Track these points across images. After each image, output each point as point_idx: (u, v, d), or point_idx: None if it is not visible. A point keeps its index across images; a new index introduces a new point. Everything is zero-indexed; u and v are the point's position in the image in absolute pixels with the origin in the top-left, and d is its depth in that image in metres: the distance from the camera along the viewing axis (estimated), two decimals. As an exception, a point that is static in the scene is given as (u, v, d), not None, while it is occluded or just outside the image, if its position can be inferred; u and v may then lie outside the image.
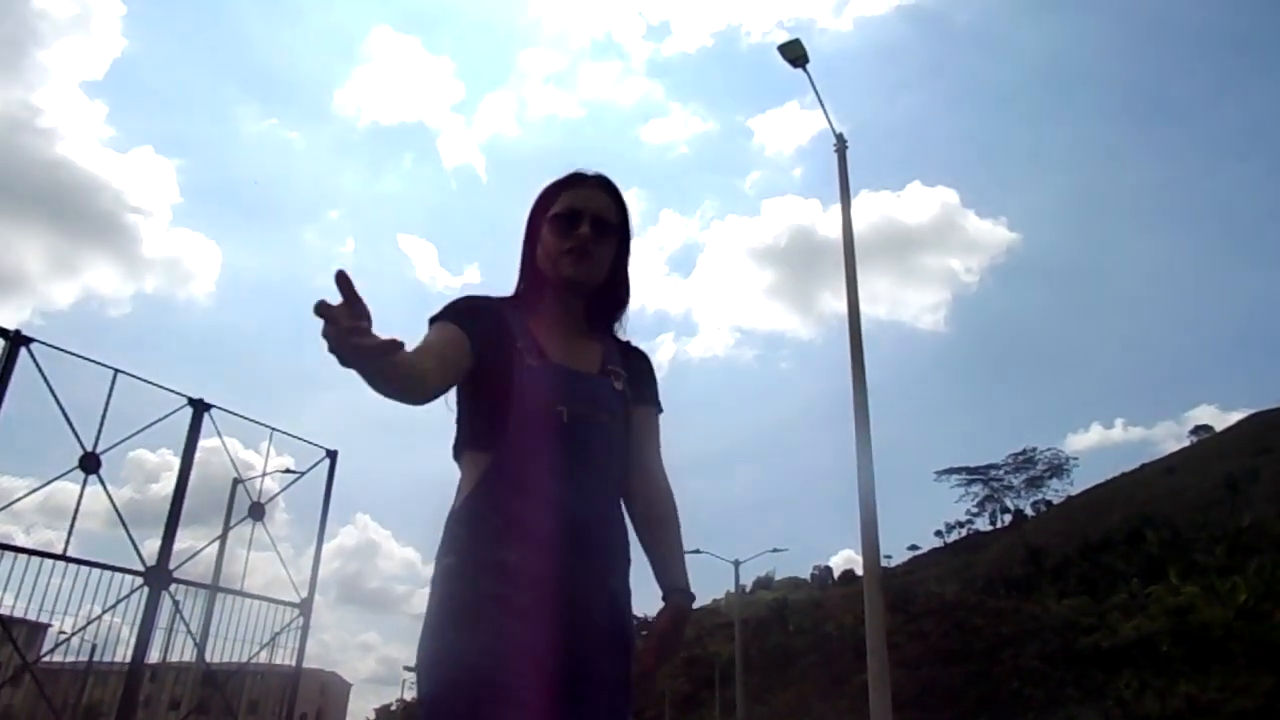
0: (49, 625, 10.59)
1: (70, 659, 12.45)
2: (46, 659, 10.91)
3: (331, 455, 12.46)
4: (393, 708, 72.16)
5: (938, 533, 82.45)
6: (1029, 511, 76.12)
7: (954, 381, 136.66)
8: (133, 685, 9.66)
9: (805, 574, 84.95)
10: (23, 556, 9.05)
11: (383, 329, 1.15)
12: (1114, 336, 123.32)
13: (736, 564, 28.99)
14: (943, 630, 43.51)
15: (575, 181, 1.72)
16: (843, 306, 11.53)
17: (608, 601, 1.52)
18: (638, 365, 1.78)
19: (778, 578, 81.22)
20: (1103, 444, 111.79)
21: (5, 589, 8.87)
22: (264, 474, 11.87)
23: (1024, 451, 77.46)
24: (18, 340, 9.23)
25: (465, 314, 1.57)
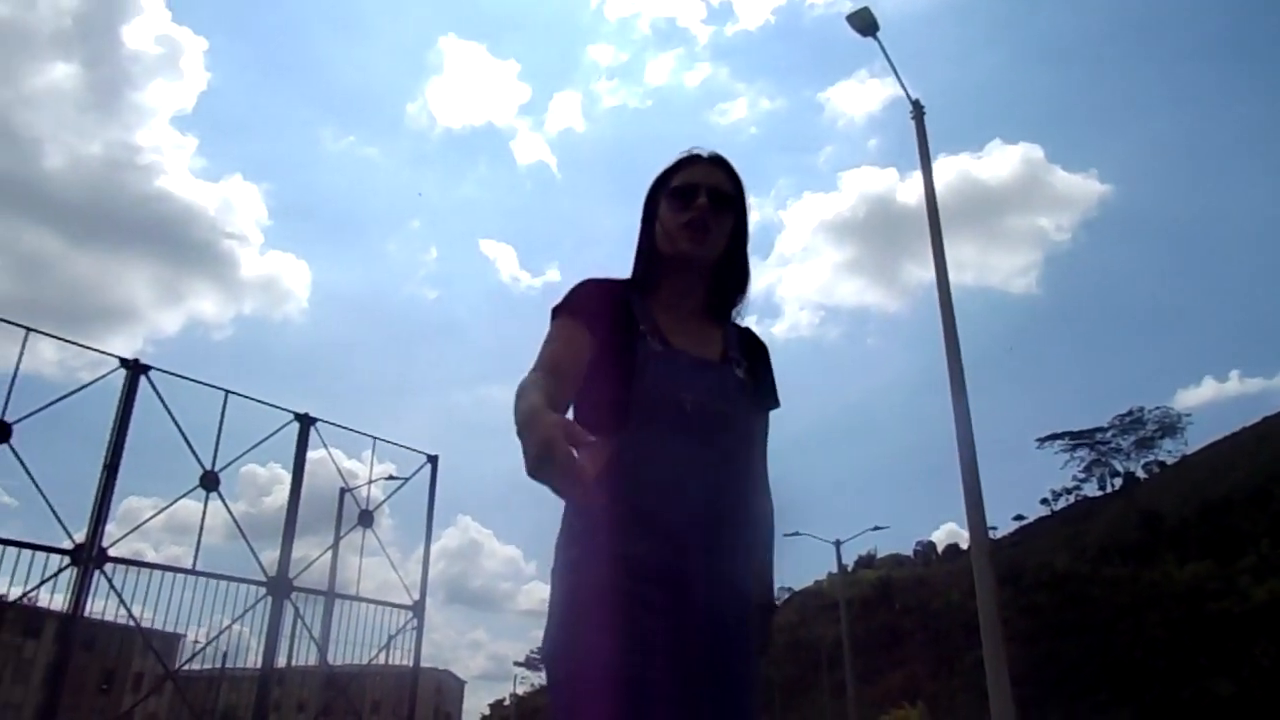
0: (182, 635, 11.27)
1: (203, 667, 13.18)
2: (186, 668, 11.58)
3: (432, 460, 12.82)
4: (506, 702, 73.89)
5: (1044, 501, 79.47)
6: (1140, 474, 72.77)
7: (1051, 344, 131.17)
8: (265, 690, 10.16)
9: (908, 550, 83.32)
10: (155, 571, 9.66)
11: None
12: (1222, 285, 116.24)
13: (837, 544, 28.64)
14: (1056, 603, 42.11)
15: (690, 161, 1.72)
16: (928, 276, 11.27)
17: (734, 597, 1.50)
18: (758, 357, 1.74)
19: (879, 556, 79.96)
20: (1218, 398, 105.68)
21: (143, 604, 9.49)
22: (370, 481, 12.31)
23: (1131, 412, 73.87)
24: (137, 368, 9.80)
25: (586, 302, 1.59)
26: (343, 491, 12.54)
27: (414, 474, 12.75)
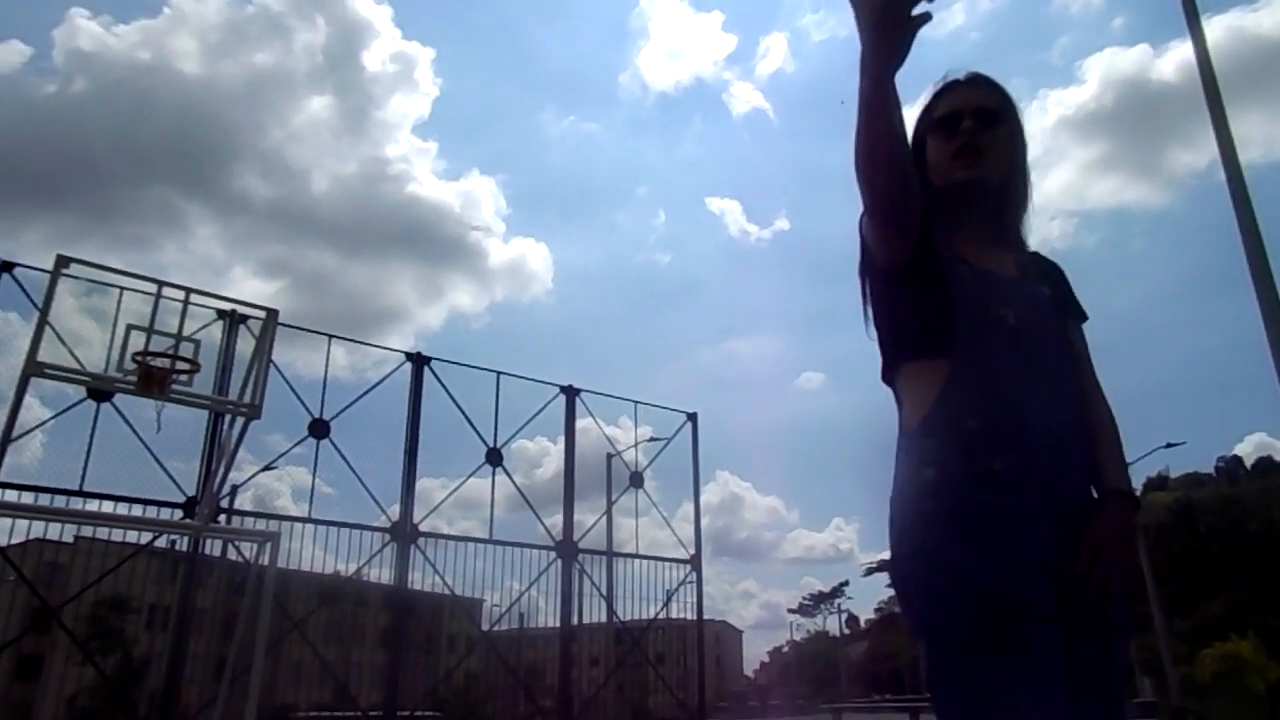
0: (483, 600, 12.45)
1: (507, 628, 14.47)
2: (489, 629, 12.79)
3: (691, 417, 13.21)
4: (784, 649, 75.08)
5: (1381, 399, 68.30)
6: None
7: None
8: (567, 645, 11.02)
9: (1207, 468, 74.74)
10: (453, 542, 10.73)
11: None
12: None
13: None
14: None
15: (948, 88, 1.65)
16: (1200, 160, 10.04)
17: (1087, 501, 1.45)
18: (1054, 274, 1.66)
19: (1173, 476, 72.58)
20: None
21: (451, 573, 10.57)
22: (635, 444, 12.89)
23: None
24: (420, 361, 10.88)
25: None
26: (609, 456, 13.24)
27: (676, 433, 13.28)
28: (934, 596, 1.33)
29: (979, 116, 1.57)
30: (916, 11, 1.28)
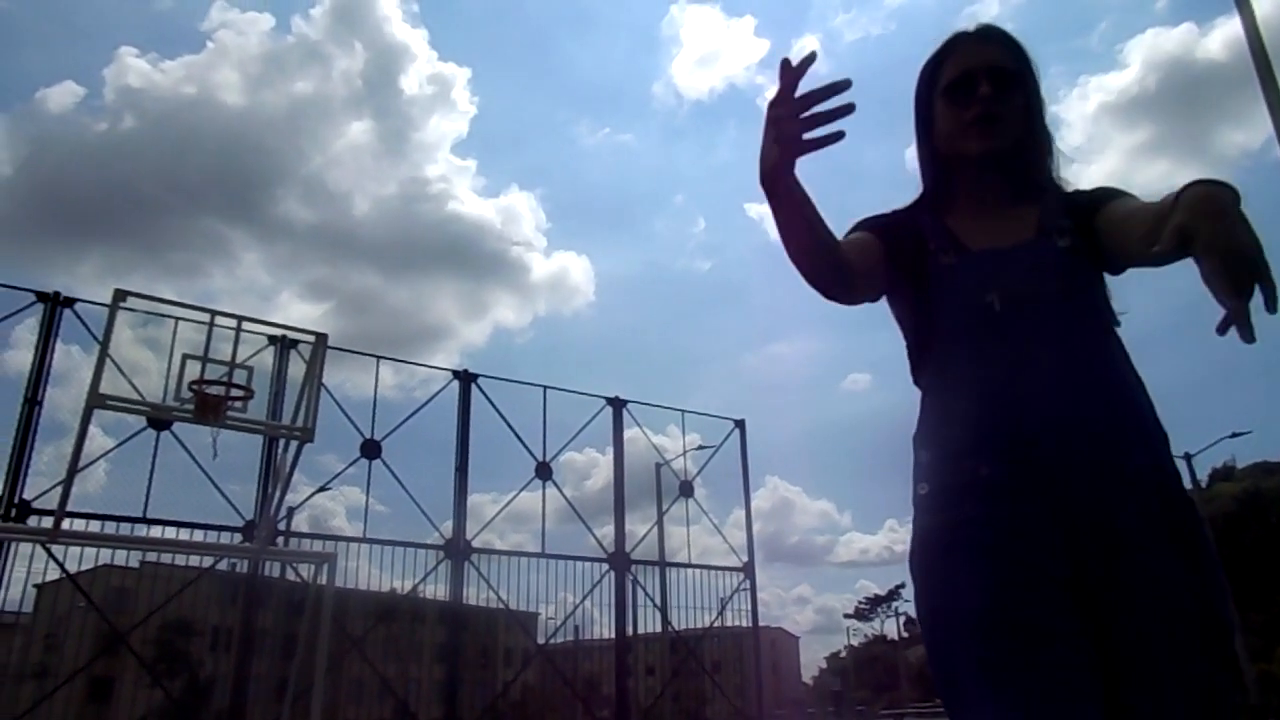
0: (537, 613, 12.50)
1: (561, 640, 14.53)
2: (546, 643, 12.84)
3: (739, 424, 13.14)
4: (841, 654, 74.13)
5: None
6: None
7: None
8: (622, 656, 11.02)
9: (1277, 456, 72.09)
10: (506, 558, 10.81)
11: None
12: None
13: (1188, 457, 25.52)
14: None
15: (957, 44, 1.48)
16: (1252, 140, 9.71)
17: (1123, 488, 1.24)
18: (1084, 198, 1.44)
19: (1239, 466, 70.23)
20: None
21: (506, 588, 10.65)
22: (684, 453, 12.87)
23: None
24: (467, 378, 11.00)
25: (872, 223, 1.50)
26: (658, 466, 13.23)
27: (724, 440, 13.24)
28: (920, 611, 1.28)
29: (995, 78, 1.42)
30: (812, 136, 1.22)
